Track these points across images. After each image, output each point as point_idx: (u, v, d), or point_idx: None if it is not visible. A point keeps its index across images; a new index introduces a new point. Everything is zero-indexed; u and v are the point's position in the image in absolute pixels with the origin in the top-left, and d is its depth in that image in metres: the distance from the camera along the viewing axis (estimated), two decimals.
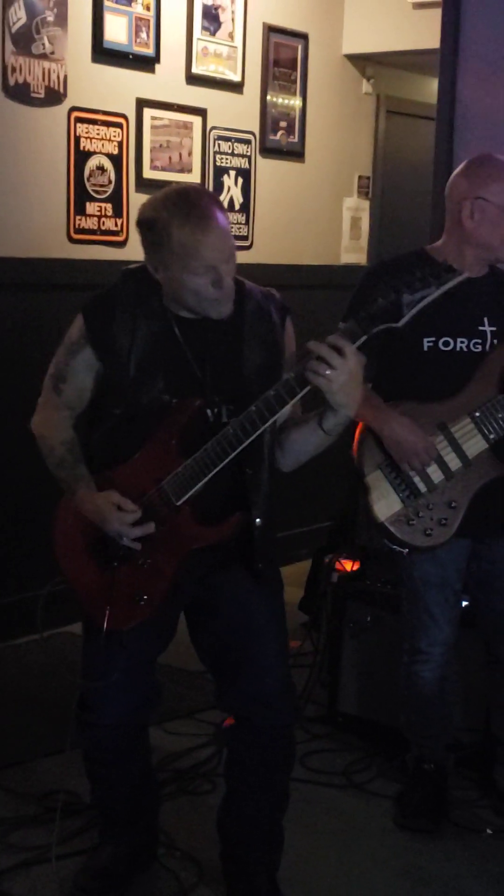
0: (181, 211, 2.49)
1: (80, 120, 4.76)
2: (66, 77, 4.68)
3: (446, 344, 3.15)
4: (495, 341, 3.17)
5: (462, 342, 3.16)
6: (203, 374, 2.61)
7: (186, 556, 2.62)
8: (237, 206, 5.60)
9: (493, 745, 3.47)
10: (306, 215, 6.03)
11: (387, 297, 2.35)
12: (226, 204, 5.49)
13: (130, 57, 4.95)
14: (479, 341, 3.17)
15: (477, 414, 3.12)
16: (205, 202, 2.52)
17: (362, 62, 6.23)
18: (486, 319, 3.17)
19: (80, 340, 2.67)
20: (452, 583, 3.29)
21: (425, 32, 5.44)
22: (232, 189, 5.55)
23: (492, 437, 3.12)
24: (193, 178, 5.30)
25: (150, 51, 5.03)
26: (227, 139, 5.49)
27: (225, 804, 2.91)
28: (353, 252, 6.37)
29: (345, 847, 3.28)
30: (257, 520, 2.62)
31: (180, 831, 3.23)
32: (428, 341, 3.15)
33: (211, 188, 5.41)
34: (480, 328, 3.17)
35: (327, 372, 2.36)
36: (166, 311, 2.62)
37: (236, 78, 5.50)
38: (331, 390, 2.39)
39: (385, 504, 3.18)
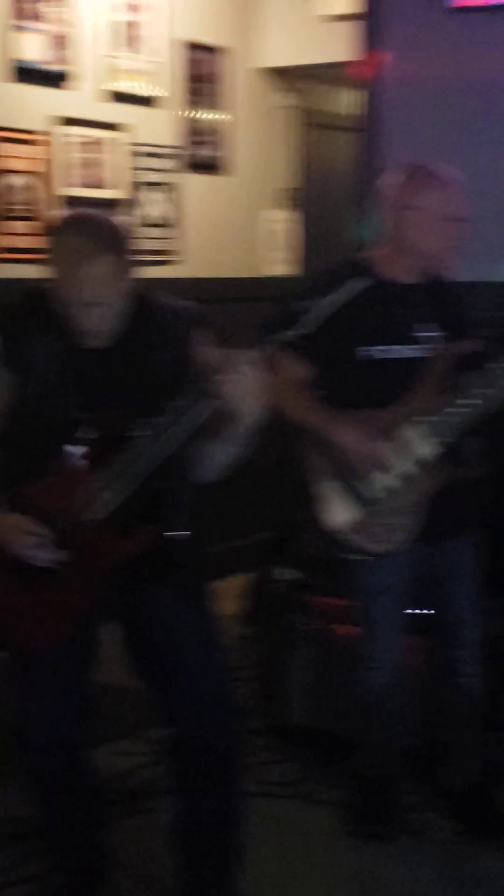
0: (63, 241, 2.54)
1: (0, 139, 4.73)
2: None
3: (382, 352, 3.16)
4: (436, 346, 3.18)
5: (399, 349, 3.16)
6: (112, 390, 2.61)
7: (105, 570, 2.61)
8: (163, 222, 5.58)
9: (441, 748, 3.46)
10: (231, 229, 6.04)
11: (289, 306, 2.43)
12: (150, 219, 5.48)
13: (48, 74, 4.92)
14: (418, 347, 3.17)
15: (420, 419, 3.12)
16: (90, 241, 2.51)
17: (280, 75, 6.27)
18: (422, 325, 3.19)
19: None
20: (404, 588, 3.28)
21: (343, 44, 5.49)
22: (156, 204, 5.53)
23: (436, 441, 3.12)
24: (118, 194, 5.28)
25: (68, 67, 5.00)
26: (150, 155, 5.48)
27: (173, 820, 2.88)
28: (279, 263, 6.40)
29: (296, 857, 3.26)
30: (176, 532, 2.62)
31: (130, 850, 3.18)
32: (364, 350, 3.16)
33: (135, 203, 5.40)
34: (418, 334, 3.17)
35: (231, 384, 2.44)
36: (71, 327, 2.62)
37: (156, 93, 5.50)
38: (233, 398, 2.46)
39: (337, 512, 3.17)
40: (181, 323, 2.68)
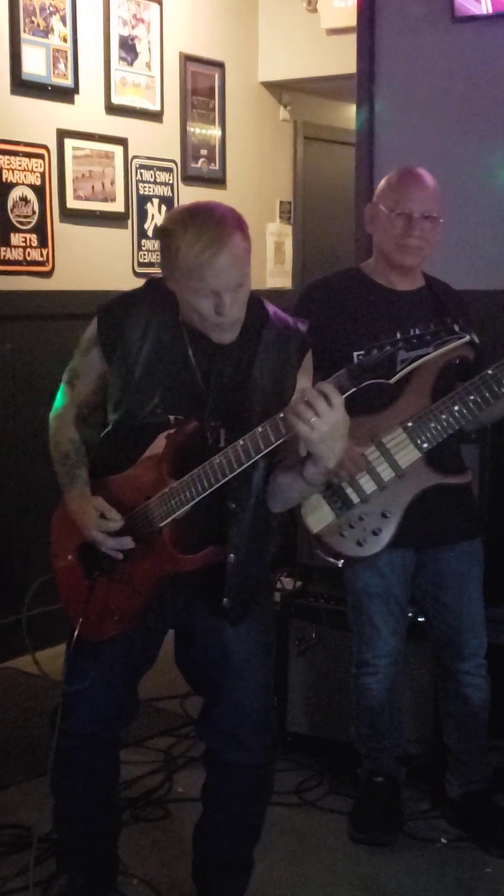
0: (195, 229, 2.40)
1: (1, 152, 4.75)
2: None
3: None
4: (424, 353, 3.19)
5: None
6: (206, 394, 2.54)
7: (162, 579, 2.58)
8: None
9: (443, 755, 3.48)
10: None
11: (383, 350, 2.27)
12: (150, 232, 5.52)
13: (49, 88, 4.96)
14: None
15: (409, 424, 3.14)
16: (223, 224, 2.41)
17: (278, 89, 6.31)
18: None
19: (91, 339, 2.66)
20: (396, 594, 3.31)
21: (340, 58, 5.54)
22: (156, 217, 5.57)
23: (424, 446, 3.14)
24: (117, 206, 5.31)
25: (68, 82, 5.04)
26: (149, 168, 5.51)
27: (198, 825, 2.89)
28: (278, 276, 6.43)
29: (300, 865, 3.27)
30: (230, 555, 2.54)
31: (135, 858, 3.20)
32: (358, 355, 3.17)
33: (135, 216, 5.43)
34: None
35: (312, 419, 2.26)
36: (181, 324, 2.57)
37: (155, 107, 5.53)
38: (310, 439, 2.28)
39: (317, 516, 3.20)
40: (294, 342, 2.57)
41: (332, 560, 3.25)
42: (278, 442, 2.34)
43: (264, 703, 2.76)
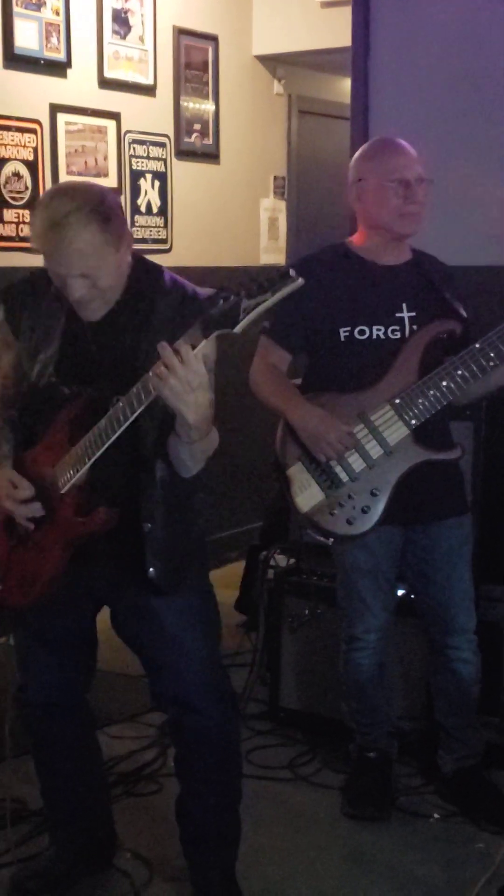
0: (45, 213, 2.47)
1: None
2: None
3: (362, 332, 3.18)
4: (414, 327, 3.19)
5: (379, 330, 3.19)
6: (102, 365, 2.61)
7: (67, 545, 2.62)
8: (155, 210, 5.60)
9: (435, 731, 3.50)
10: (224, 217, 6.05)
11: (227, 301, 2.28)
12: (143, 207, 5.49)
13: (42, 62, 4.92)
14: (397, 328, 3.19)
15: (397, 401, 3.14)
16: (72, 213, 2.44)
17: (272, 63, 6.27)
18: (404, 306, 3.20)
19: (1, 319, 2.73)
20: (385, 570, 3.32)
21: (334, 31, 5.51)
22: (149, 192, 5.55)
23: (413, 423, 3.14)
24: (110, 182, 5.29)
25: (61, 56, 5.01)
26: (141, 143, 5.49)
27: (177, 800, 2.93)
28: (271, 252, 6.40)
29: (293, 838, 3.29)
30: (147, 525, 2.60)
31: (129, 832, 3.22)
32: (344, 331, 3.19)
33: (128, 191, 5.41)
34: (398, 315, 3.20)
35: (165, 375, 2.31)
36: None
37: (148, 81, 5.50)
38: (165, 395, 2.34)
39: (307, 495, 3.20)
40: (185, 308, 2.58)
41: (322, 539, 3.26)
42: (148, 400, 2.38)
43: (211, 668, 2.79)
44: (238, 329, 2.27)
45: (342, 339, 3.19)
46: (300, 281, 2.24)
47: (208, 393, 2.40)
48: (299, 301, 3.06)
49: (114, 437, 2.46)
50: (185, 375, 2.30)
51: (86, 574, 2.69)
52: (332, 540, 3.25)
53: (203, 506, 2.74)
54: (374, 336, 3.18)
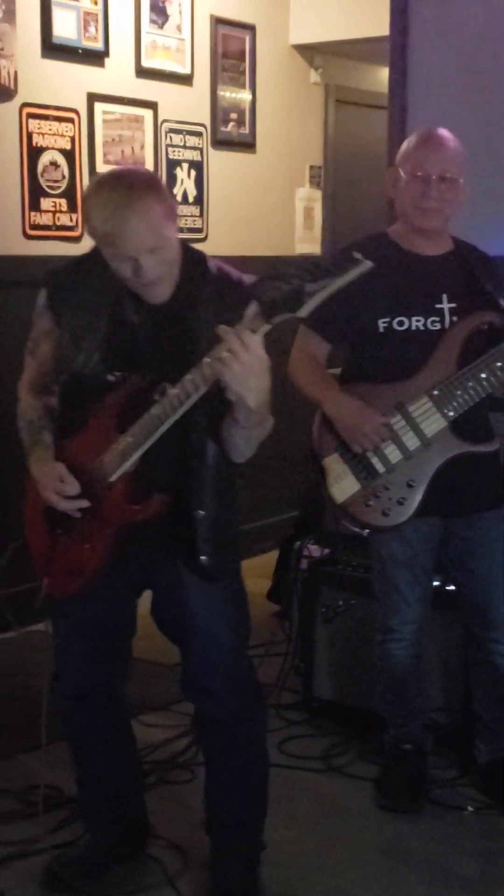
0: (103, 196, 2.47)
1: (31, 116, 4.74)
2: (16, 73, 4.65)
3: (401, 323, 3.16)
4: (454, 319, 3.17)
5: (418, 321, 3.17)
6: (148, 352, 2.59)
7: (117, 533, 2.63)
8: (191, 199, 5.60)
9: (471, 723, 3.48)
10: (259, 206, 6.04)
11: (290, 284, 2.26)
12: (179, 197, 5.49)
13: (80, 52, 4.93)
14: (437, 319, 3.17)
15: (435, 392, 3.12)
16: (133, 188, 2.45)
17: (310, 52, 6.25)
18: (444, 297, 3.19)
19: (42, 305, 2.72)
20: (422, 562, 3.30)
21: (372, 20, 5.48)
22: (185, 181, 5.55)
23: (451, 415, 3.12)
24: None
25: (99, 45, 5.01)
26: (178, 132, 5.49)
27: (204, 786, 2.95)
28: (307, 242, 6.39)
29: (326, 830, 3.29)
30: (199, 512, 2.60)
31: (162, 821, 3.23)
32: (383, 322, 3.17)
33: (164, 181, 5.39)
34: (438, 306, 3.18)
35: (227, 359, 2.30)
36: (121, 285, 2.60)
37: (185, 71, 5.50)
38: (226, 379, 2.33)
39: (343, 486, 3.19)
40: (230, 295, 2.56)
41: (357, 530, 3.24)
42: (206, 386, 2.38)
43: (237, 660, 2.79)
44: (303, 312, 2.26)
45: (381, 330, 3.17)
46: (368, 264, 2.22)
47: (269, 377, 2.39)
48: (338, 290, 3.04)
49: (168, 423, 2.45)
50: (249, 360, 2.29)
51: (128, 562, 2.70)
52: (367, 531, 3.23)
53: (240, 492, 2.74)
54: (414, 327, 3.17)
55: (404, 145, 3.24)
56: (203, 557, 2.62)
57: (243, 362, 2.29)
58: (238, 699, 2.79)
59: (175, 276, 2.58)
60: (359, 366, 3.27)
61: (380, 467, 3.15)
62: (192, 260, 2.64)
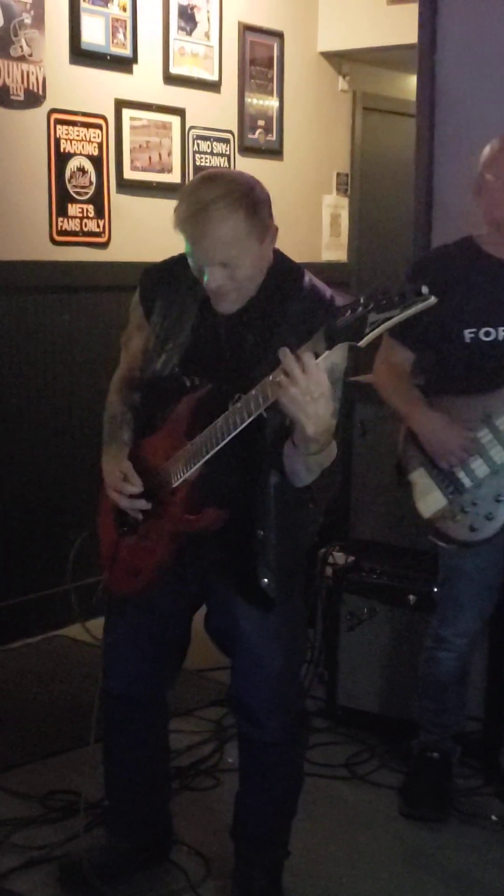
0: (191, 199, 2.44)
1: (59, 122, 4.75)
2: (44, 79, 4.67)
3: (488, 334, 3.08)
4: None
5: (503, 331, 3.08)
6: (228, 360, 2.54)
7: (173, 539, 2.60)
8: None
9: (497, 732, 3.46)
10: (286, 213, 5.96)
11: (355, 312, 2.19)
12: None
13: (108, 58, 4.94)
14: None
15: None
16: (220, 200, 2.40)
17: (338, 59, 6.25)
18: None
19: (136, 301, 2.72)
20: (489, 577, 3.23)
21: (400, 28, 5.47)
22: None
23: None
24: (174, 178, 5.30)
25: (127, 51, 5.02)
26: (205, 138, 5.49)
27: (236, 795, 2.93)
28: (333, 249, 6.38)
29: (350, 837, 3.28)
30: (259, 532, 2.54)
31: (185, 827, 3.22)
32: (469, 332, 3.08)
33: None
34: None
35: (285, 383, 2.23)
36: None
37: (213, 77, 5.50)
38: (284, 402, 2.25)
39: (429, 501, 3.13)
40: (317, 313, 2.44)
41: (443, 545, 3.17)
42: (265, 405, 2.31)
43: (283, 685, 2.74)
44: (363, 343, 2.19)
45: (467, 340, 3.09)
46: (433, 300, 2.15)
47: (331, 403, 2.30)
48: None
49: (228, 439, 2.39)
50: (307, 385, 2.21)
51: (186, 573, 2.68)
52: (454, 546, 3.16)
53: (311, 516, 2.68)
54: (501, 338, 3.07)
55: (487, 150, 3.13)
56: (265, 581, 2.57)
57: (300, 386, 2.21)
58: (279, 725, 2.74)
59: (251, 290, 2.51)
60: (444, 376, 3.18)
61: (467, 482, 3.10)
62: (284, 273, 2.56)
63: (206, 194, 2.42)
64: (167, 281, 2.65)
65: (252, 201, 2.44)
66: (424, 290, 2.15)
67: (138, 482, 2.60)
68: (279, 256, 2.59)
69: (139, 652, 2.81)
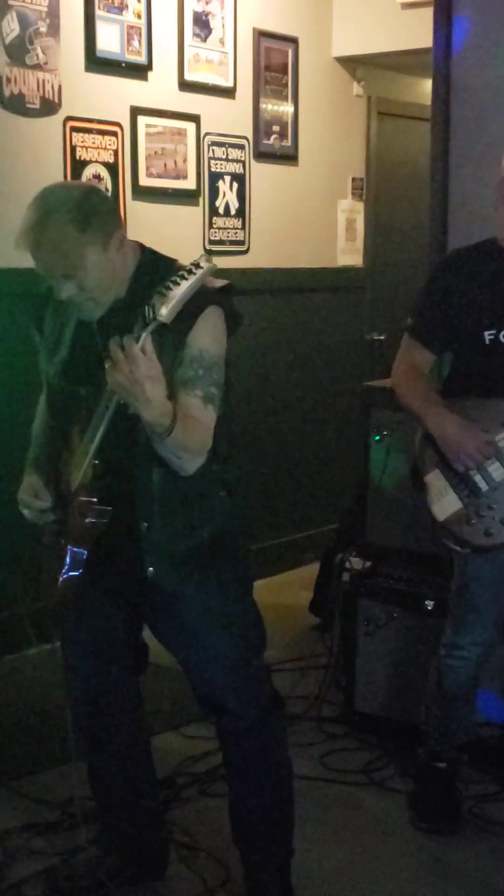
0: (27, 213, 2.50)
1: (75, 129, 4.77)
2: (60, 87, 4.68)
3: None
4: None
5: None
6: (96, 363, 2.55)
7: (76, 541, 2.61)
8: (233, 212, 5.60)
9: None
10: (302, 219, 6.04)
11: (161, 293, 2.32)
12: (221, 209, 5.51)
13: (123, 65, 4.96)
14: None
15: None
16: (49, 215, 2.46)
17: (352, 64, 6.25)
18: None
19: (31, 326, 2.79)
20: (501, 584, 3.19)
21: (415, 32, 5.46)
22: (227, 194, 5.55)
23: None
24: (189, 184, 5.31)
25: (142, 59, 5.04)
26: (220, 145, 5.50)
27: (229, 803, 2.93)
28: (349, 254, 6.38)
29: (367, 844, 3.28)
30: (143, 524, 2.58)
31: (203, 833, 3.23)
32: (489, 334, 3.07)
33: (207, 193, 5.42)
34: None
35: (111, 371, 2.36)
36: None
37: (228, 84, 5.51)
38: (116, 391, 2.39)
39: (444, 504, 3.11)
40: (194, 306, 2.46)
41: (457, 549, 3.15)
42: (113, 397, 2.43)
43: (239, 670, 2.76)
44: (165, 319, 2.32)
45: (487, 342, 3.06)
46: (209, 266, 2.32)
47: (162, 387, 2.39)
48: (443, 298, 2.96)
49: (99, 436, 2.49)
50: (129, 369, 2.32)
51: (108, 579, 2.70)
52: (468, 550, 3.13)
53: (223, 505, 2.69)
54: None
55: None
56: (150, 569, 2.60)
57: (123, 371, 2.33)
58: (253, 711, 2.77)
59: (109, 296, 2.55)
60: (463, 378, 3.17)
61: (483, 485, 3.07)
62: (155, 269, 2.57)
63: (36, 211, 2.48)
64: (50, 299, 2.69)
65: (84, 213, 2.48)
66: (203, 262, 2.33)
67: (46, 495, 2.67)
68: (150, 254, 2.63)
69: (87, 660, 2.85)
